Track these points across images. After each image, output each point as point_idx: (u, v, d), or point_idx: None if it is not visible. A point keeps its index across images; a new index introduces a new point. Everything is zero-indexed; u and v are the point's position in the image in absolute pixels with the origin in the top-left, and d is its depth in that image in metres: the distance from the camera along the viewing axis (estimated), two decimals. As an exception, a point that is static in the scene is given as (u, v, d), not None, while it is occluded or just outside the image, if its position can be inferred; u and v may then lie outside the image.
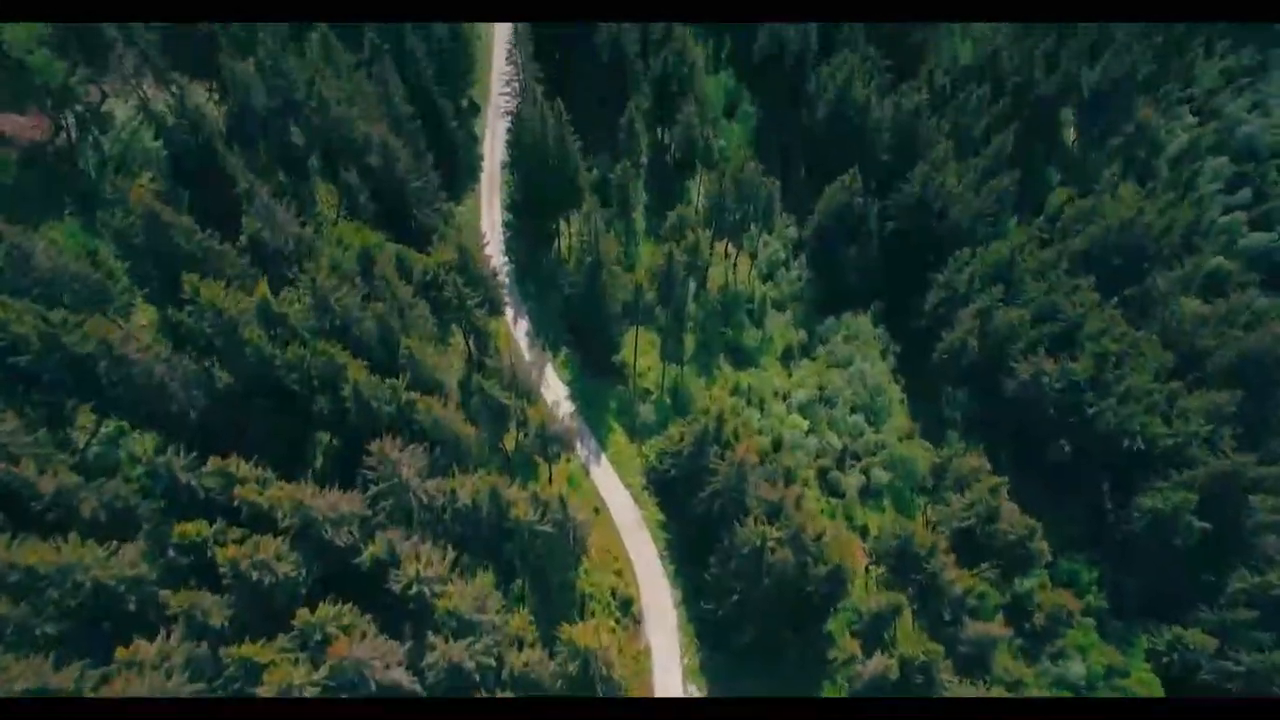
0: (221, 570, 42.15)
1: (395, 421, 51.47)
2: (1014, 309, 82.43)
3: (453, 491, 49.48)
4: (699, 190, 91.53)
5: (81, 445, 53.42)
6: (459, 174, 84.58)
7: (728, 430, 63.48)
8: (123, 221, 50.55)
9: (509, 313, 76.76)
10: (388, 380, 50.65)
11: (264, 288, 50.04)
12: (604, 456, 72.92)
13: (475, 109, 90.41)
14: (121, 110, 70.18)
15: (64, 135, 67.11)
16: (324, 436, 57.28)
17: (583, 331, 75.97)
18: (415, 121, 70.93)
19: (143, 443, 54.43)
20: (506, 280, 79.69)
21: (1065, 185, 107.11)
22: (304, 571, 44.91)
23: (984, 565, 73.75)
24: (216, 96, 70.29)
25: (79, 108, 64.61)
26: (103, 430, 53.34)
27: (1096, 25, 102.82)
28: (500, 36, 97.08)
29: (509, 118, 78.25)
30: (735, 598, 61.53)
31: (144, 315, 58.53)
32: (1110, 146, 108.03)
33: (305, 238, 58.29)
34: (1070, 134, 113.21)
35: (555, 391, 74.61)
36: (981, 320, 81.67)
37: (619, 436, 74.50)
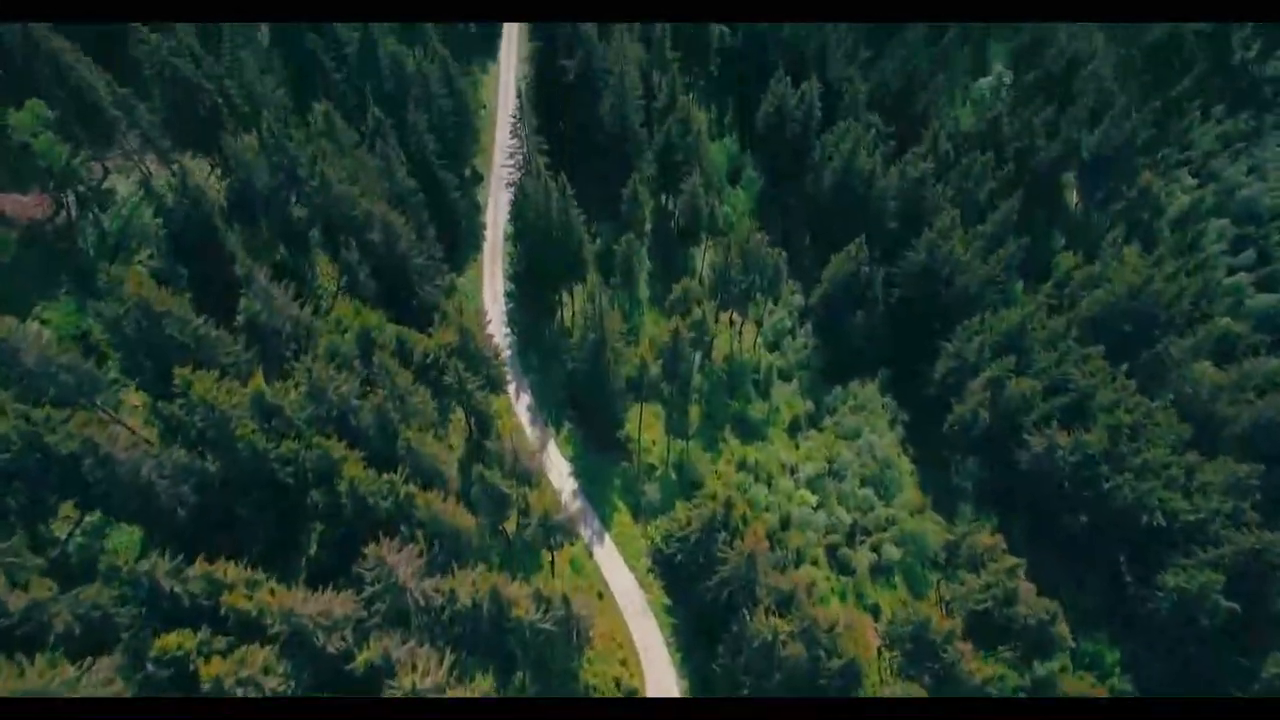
0: (205, 688, 39.37)
1: (393, 516, 49.06)
2: (1025, 379, 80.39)
3: (451, 592, 46.83)
4: (703, 258, 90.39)
5: (63, 537, 50.98)
6: (461, 243, 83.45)
7: (736, 516, 60.91)
8: (115, 311, 48.83)
9: (511, 386, 74.79)
10: (385, 475, 48.37)
11: (259, 379, 48.08)
12: (608, 537, 70.16)
13: (478, 178, 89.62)
14: (123, 186, 69.19)
15: (64, 213, 65.99)
16: (318, 528, 54.78)
17: (586, 406, 73.89)
18: (417, 195, 69.84)
19: (128, 535, 51.99)
20: (509, 352, 78.09)
21: (1069, 248, 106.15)
22: (293, 683, 42.09)
23: (1002, 649, 70.47)
24: (219, 171, 69.26)
25: (80, 187, 63.56)
26: (86, 521, 50.97)
27: (1094, 92, 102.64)
28: (504, 105, 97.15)
29: (512, 189, 77.31)
30: (745, 691, 58.43)
31: (134, 402, 56.47)
32: (1112, 211, 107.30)
33: (303, 319, 56.57)
34: (1072, 197, 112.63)
35: (558, 469, 72.22)
36: (992, 391, 79.59)
37: (623, 516, 71.83)
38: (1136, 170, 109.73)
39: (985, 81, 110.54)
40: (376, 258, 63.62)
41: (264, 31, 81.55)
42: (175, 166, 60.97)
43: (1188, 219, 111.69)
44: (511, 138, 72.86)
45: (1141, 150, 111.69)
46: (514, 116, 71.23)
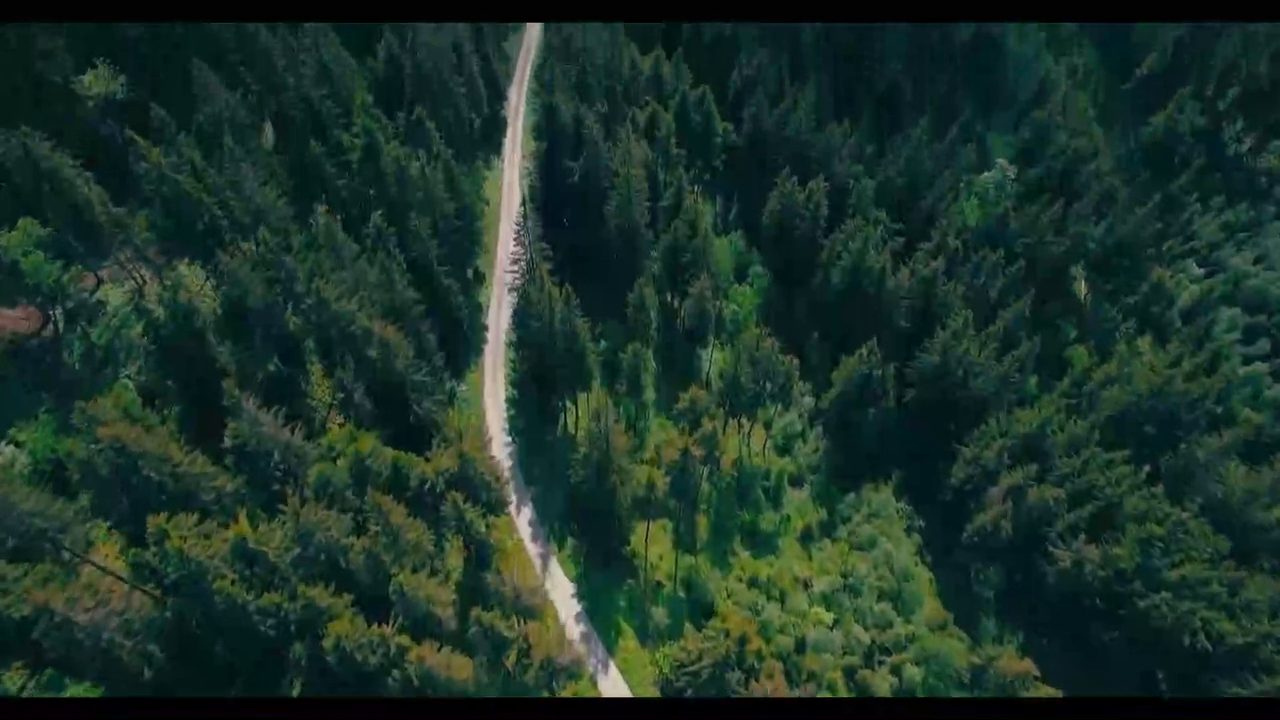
0: None
1: (383, 669, 44.61)
2: (1048, 486, 76.43)
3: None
4: (711, 359, 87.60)
5: (15, 690, 46.44)
6: (463, 346, 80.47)
7: (750, 653, 56.25)
8: (88, 451, 45.41)
9: (512, 500, 70.78)
10: (375, 627, 44.12)
11: (243, 523, 44.26)
12: (613, 664, 65.10)
13: (481, 277, 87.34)
14: (116, 296, 66.52)
15: (51, 327, 63.22)
16: (300, 681, 50.13)
17: (590, 521, 69.75)
18: (419, 306, 67.19)
19: (88, 689, 47.33)
20: (510, 463, 74.57)
21: (1081, 341, 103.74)
22: None
23: (1040, 788, 64.69)
24: (214, 281, 66.74)
25: (69, 302, 60.99)
26: (39, 677, 46.51)
27: (1098, 188, 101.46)
28: (508, 201, 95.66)
29: (515, 293, 74.91)
30: None
31: (104, 552, 52.21)
32: (1124, 304, 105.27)
33: (293, 445, 53.01)
34: (1081, 288, 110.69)
35: (561, 588, 67.69)
36: (1013, 499, 75.48)
37: (629, 640, 66.82)
38: (1144, 261, 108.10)
39: (988, 176, 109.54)
40: (373, 374, 60.50)
41: (268, 135, 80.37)
42: (168, 279, 58.39)
43: (1198, 309, 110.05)
44: (515, 244, 70.69)
45: (1147, 242, 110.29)
46: (517, 224, 69.19)
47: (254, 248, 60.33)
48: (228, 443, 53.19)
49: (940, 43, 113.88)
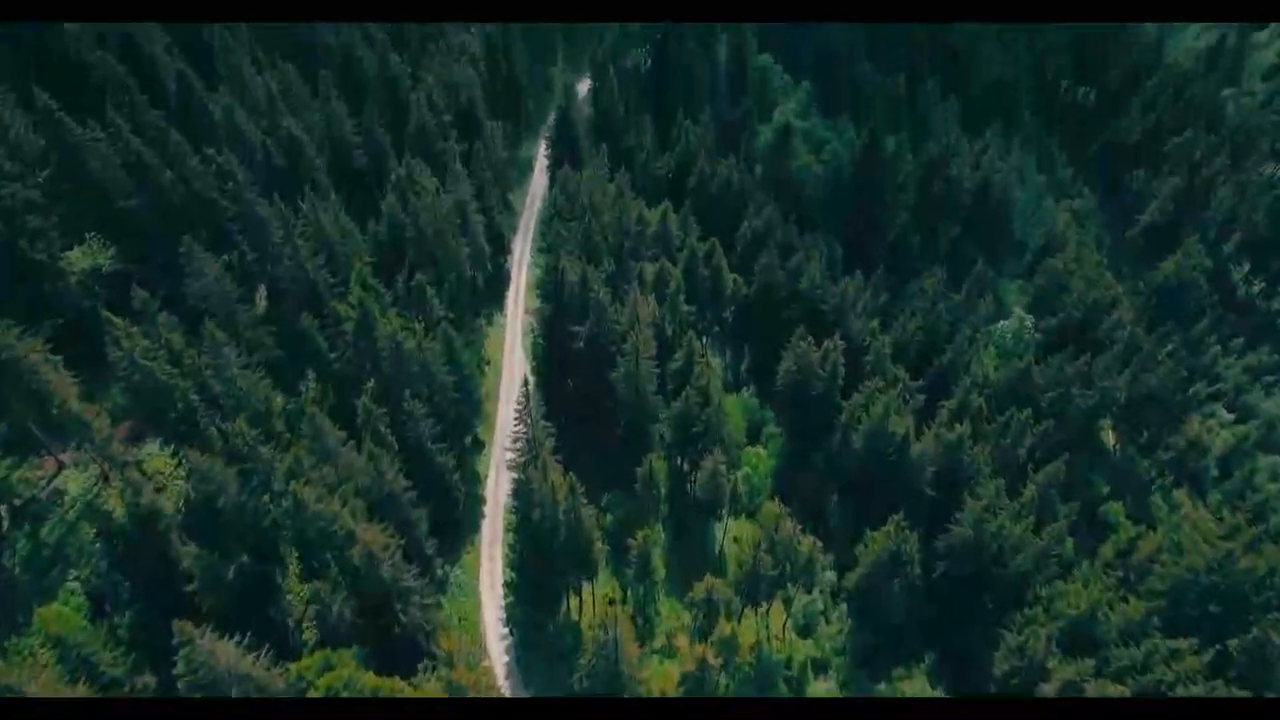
0: None
1: None
2: (1107, 682, 67.94)
3: None
4: (724, 534, 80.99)
5: None
6: (458, 524, 73.94)
7: None
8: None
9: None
10: None
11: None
12: None
13: (479, 445, 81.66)
14: (75, 484, 60.26)
15: (-1, 526, 56.83)
16: None
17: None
18: (410, 493, 61.08)
19: None
20: (507, 658, 66.70)
21: (1115, 497, 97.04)
22: None
23: None
24: (184, 471, 60.75)
25: (17, 500, 54.92)
26: None
27: (1124, 340, 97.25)
28: (509, 360, 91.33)
29: (515, 471, 68.94)
30: None
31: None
32: (1157, 455, 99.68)
33: (255, 679, 45.56)
34: (1109, 438, 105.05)
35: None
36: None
37: None
38: (1172, 408, 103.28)
39: (1006, 325, 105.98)
40: (355, 579, 53.70)
41: (262, 300, 76.58)
42: (130, 477, 52.44)
43: (1234, 457, 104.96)
44: (516, 421, 65.29)
45: (1175, 389, 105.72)
46: (519, 404, 63.98)
47: (227, 440, 54.66)
48: (180, 669, 46.02)
49: (946, 194, 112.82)
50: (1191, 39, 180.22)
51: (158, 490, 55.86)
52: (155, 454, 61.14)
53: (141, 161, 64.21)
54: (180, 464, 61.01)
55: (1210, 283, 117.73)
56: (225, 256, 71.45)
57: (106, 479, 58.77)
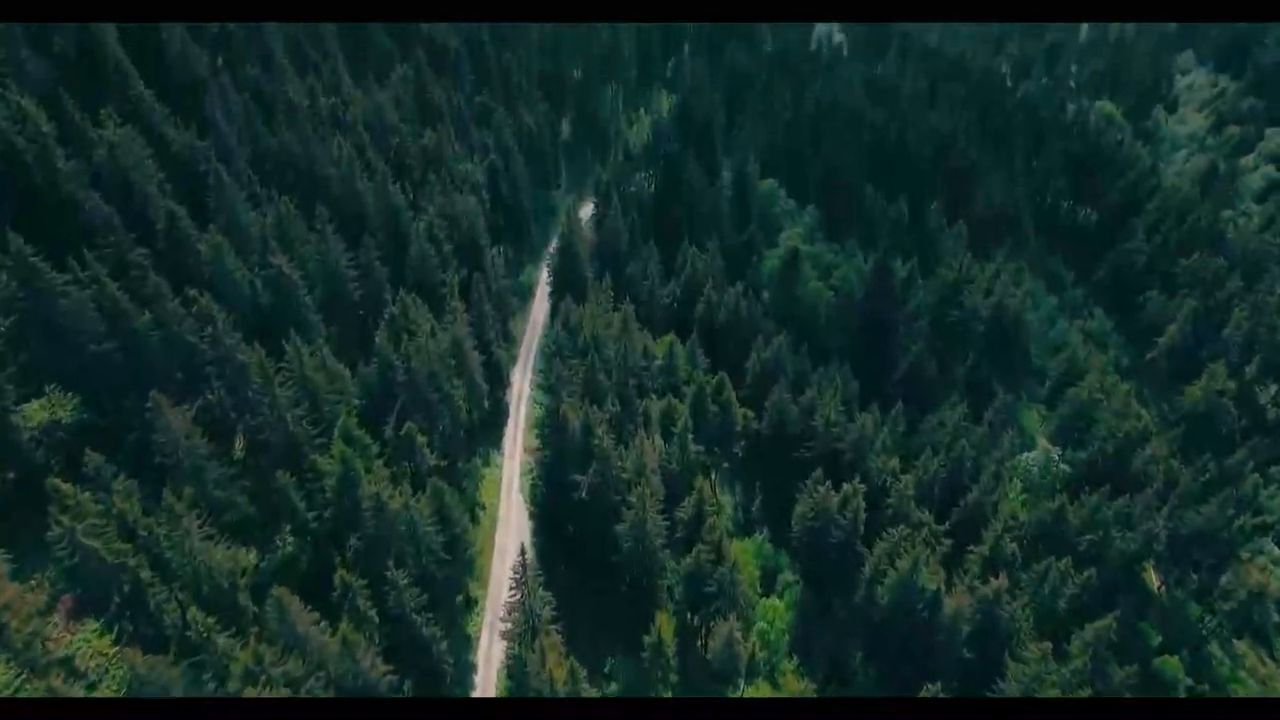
0: None
1: None
2: None
3: None
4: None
5: None
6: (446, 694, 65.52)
7: None
8: None
9: None
10: None
11: None
12: None
13: (472, 603, 73.73)
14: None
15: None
16: None
17: None
18: (390, 677, 53.25)
19: None
20: None
21: (1167, 649, 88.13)
22: None
23: None
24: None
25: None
26: None
27: (1161, 474, 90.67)
28: (506, 502, 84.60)
29: (508, 642, 61.27)
30: None
31: None
32: (1212, 604, 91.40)
33: None
34: (1152, 579, 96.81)
35: None
36: None
37: None
38: (1220, 547, 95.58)
39: (1031, 458, 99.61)
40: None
41: (240, 447, 70.50)
42: (56, 677, 44.96)
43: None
44: (512, 590, 58.15)
45: (1220, 525, 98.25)
46: (514, 571, 57.03)
47: (180, 628, 47.51)
48: None
49: (961, 320, 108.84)
50: (1181, 162, 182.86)
51: (89, 688, 48.14)
52: (93, 639, 53.40)
53: (117, 306, 59.60)
54: (124, 648, 53.34)
55: (1239, 407, 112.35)
56: (201, 400, 65.98)
57: (34, 668, 51.07)
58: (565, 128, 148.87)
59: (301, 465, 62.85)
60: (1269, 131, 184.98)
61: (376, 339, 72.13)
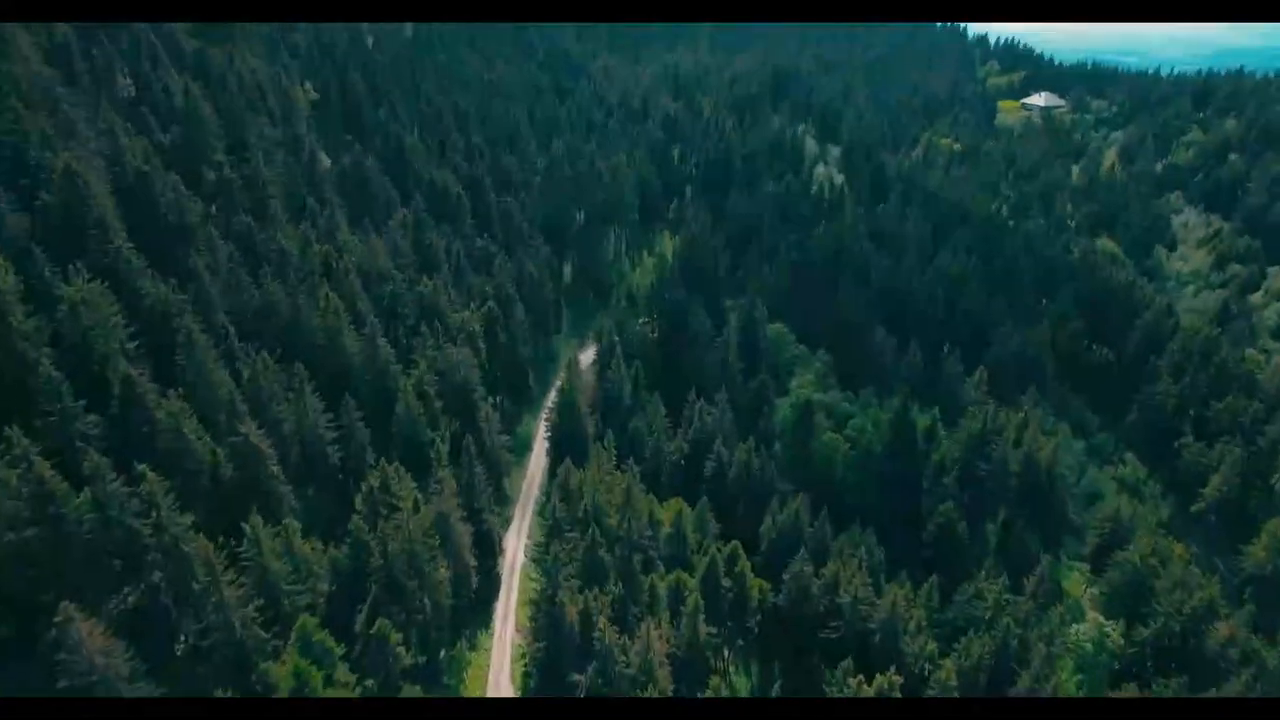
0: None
1: None
2: None
3: None
4: None
5: None
6: None
7: None
8: None
9: None
10: None
11: None
12: None
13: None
14: None
15: None
16: None
17: None
18: None
19: None
20: None
21: None
22: None
23: None
24: None
25: None
26: None
27: (1241, 656, 79.62)
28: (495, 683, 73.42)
29: None
30: None
31: None
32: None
33: None
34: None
35: None
36: None
37: None
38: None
39: (1083, 632, 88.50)
40: None
41: (181, 646, 60.29)
42: None
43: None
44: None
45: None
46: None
47: None
48: None
49: (991, 475, 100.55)
50: (1190, 298, 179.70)
51: None
52: None
53: (43, 488, 51.57)
54: None
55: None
56: (136, 595, 56.65)
57: None
58: (567, 271, 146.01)
59: (249, 678, 52.74)
60: (1271, 270, 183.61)
61: (351, 519, 63.48)
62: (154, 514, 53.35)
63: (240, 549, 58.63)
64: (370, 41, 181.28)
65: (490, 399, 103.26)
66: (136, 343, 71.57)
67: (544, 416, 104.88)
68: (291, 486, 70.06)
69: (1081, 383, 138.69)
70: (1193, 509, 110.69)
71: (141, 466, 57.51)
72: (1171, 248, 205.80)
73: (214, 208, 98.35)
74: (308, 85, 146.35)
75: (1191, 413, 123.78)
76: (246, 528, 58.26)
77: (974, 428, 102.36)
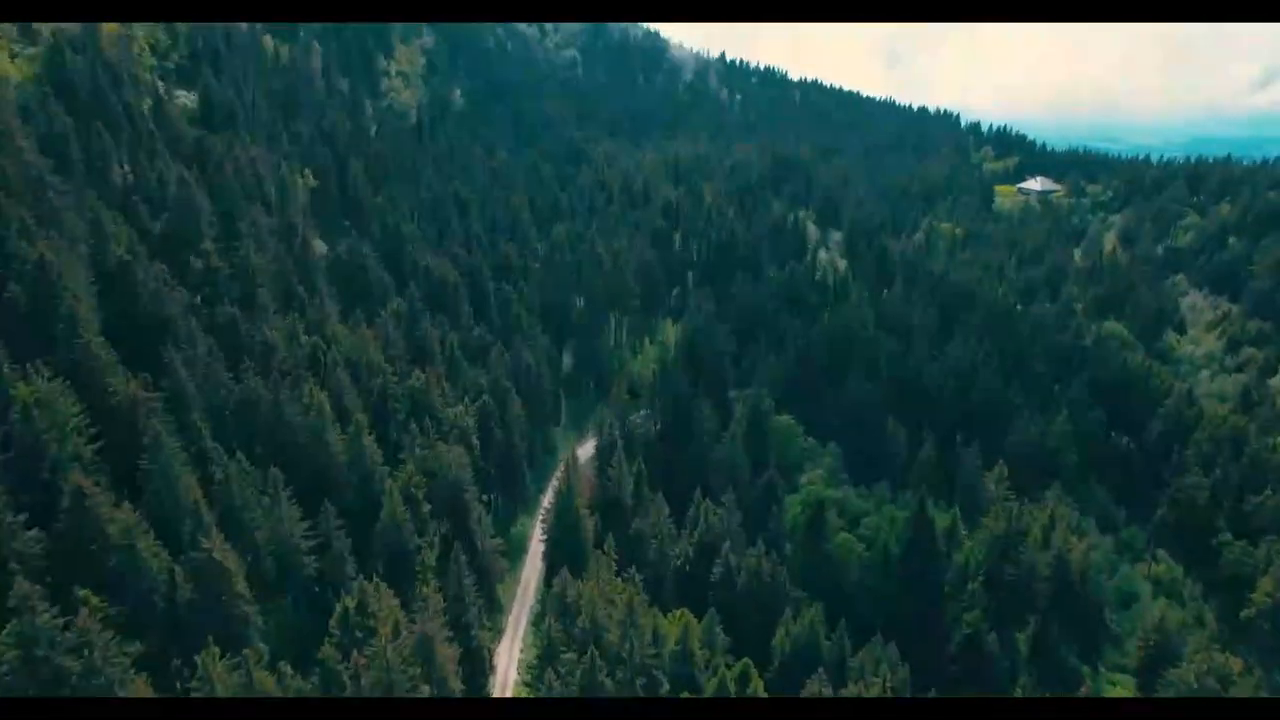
0: None
1: None
2: None
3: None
4: None
5: None
6: None
7: None
8: None
9: None
10: None
11: None
12: None
13: None
14: None
15: None
16: None
17: None
18: None
19: None
20: None
21: None
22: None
23: None
24: None
25: None
26: None
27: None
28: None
29: None
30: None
31: None
32: None
33: None
34: None
35: None
36: None
37: None
38: None
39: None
40: None
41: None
42: None
43: None
44: None
45: None
46: None
47: None
48: None
49: (1020, 579, 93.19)
50: (1207, 383, 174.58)
51: None
52: None
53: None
54: None
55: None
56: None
57: None
58: (566, 360, 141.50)
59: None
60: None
61: (323, 647, 56.61)
62: (86, 652, 46.62)
63: (191, 684, 51.62)
64: (373, 130, 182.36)
65: (484, 497, 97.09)
66: (98, 444, 66.21)
67: (541, 517, 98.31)
68: (258, 606, 63.22)
69: (1104, 474, 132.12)
70: (1242, 615, 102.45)
71: (83, 592, 51.21)
72: (1181, 331, 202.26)
73: (199, 298, 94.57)
74: (308, 172, 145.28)
75: (1226, 506, 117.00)
76: (200, 662, 51.37)
77: (998, 528, 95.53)
